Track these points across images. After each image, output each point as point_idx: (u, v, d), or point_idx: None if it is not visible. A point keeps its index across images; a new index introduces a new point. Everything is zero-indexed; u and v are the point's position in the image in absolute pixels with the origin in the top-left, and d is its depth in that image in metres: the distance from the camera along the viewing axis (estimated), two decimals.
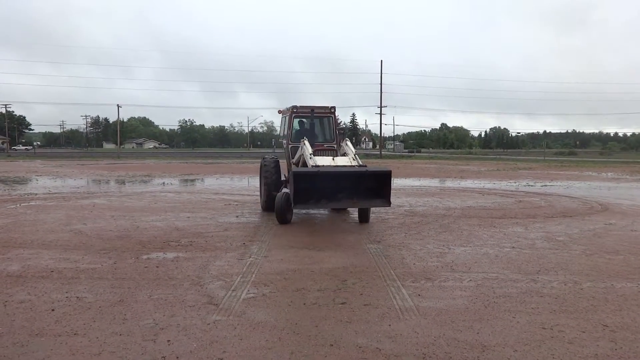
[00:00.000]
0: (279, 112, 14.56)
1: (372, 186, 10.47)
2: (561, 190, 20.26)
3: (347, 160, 11.22)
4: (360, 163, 10.93)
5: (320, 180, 10.12)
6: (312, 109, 13.06)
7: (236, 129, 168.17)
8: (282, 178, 13.13)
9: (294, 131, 13.11)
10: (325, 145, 12.75)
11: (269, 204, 12.50)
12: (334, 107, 13.19)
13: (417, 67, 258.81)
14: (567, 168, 40.11)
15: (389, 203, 10.26)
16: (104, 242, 9.07)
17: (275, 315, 5.31)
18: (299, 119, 13.44)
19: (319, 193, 10.23)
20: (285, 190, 12.47)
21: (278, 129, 13.92)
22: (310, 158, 10.90)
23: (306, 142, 11.62)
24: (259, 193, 14.31)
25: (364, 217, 11.62)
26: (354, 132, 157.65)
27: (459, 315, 5.33)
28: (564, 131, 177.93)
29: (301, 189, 9.86)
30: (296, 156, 12.44)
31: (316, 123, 13.39)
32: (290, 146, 12.96)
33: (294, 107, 12.98)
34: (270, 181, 12.72)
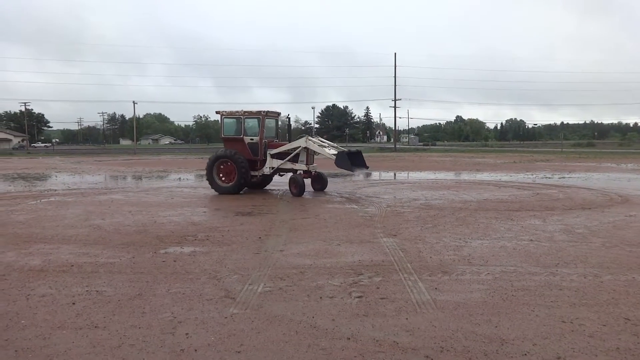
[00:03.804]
0: (217, 112, 17.64)
1: (358, 159, 16.21)
2: (579, 182, 19.96)
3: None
4: (342, 149, 16.85)
5: (351, 156, 15.81)
6: (279, 113, 18.15)
7: (250, 124, 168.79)
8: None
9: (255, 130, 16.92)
10: (275, 141, 17.33)
11: (242, 186, 16.55)
12: (278, 113, 18.19)
13: (432, 59, 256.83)
14: (585, 159, 39.47)
15: (365, 167, 16.38)
16: (122, 237, 9.19)
17: (292, 309, 5.32)
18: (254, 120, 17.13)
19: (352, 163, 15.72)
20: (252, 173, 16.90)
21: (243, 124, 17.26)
22: (327, 148, 16.25)
23: (311, 137, 16.49)
24: (209, 183, 16.86)
25: (324, 187, 17.02)
26: (367, 126, 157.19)
27: (477, 309, 5.29)
28: (582, 122, 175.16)
29: (351, 161, 15.52)
30: (285, 147, 16.47)
31: (270, 124, 17.61)
32: (263, 142, 16.78)
33: (268, 111, 17.00)
34: (245, 169, 16.23)
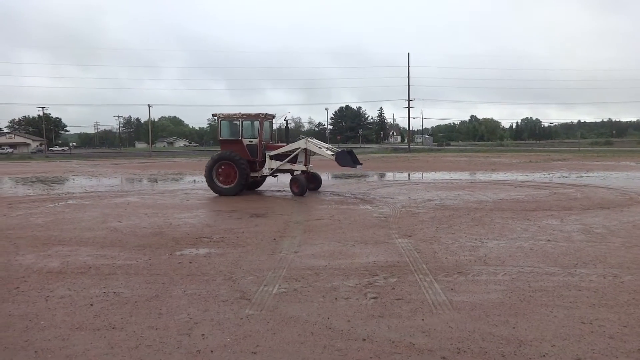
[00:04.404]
0: (213, 115, 17.81)
1: (353, 156, 16.99)
2: (598, 181, 19.65)
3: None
4: (336, 149, 17.72)
5: (350, 154, 17.10)
6: (274, 115, 18.62)
7: (248, 126, 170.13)
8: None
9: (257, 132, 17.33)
10: (269, 143, 17.84)
11: (243, 187, 16.83)
12: (273, 115, 18.67)
13: (446, 58, 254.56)
14: (603, 158, 38.88)
15: (359, 164, 16.98)
16: (138, 239, 9.28)
17: (307, 310, 5.32)
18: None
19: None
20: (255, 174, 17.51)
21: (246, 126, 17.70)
22: (328, 149, 17.26)
23: (309, 139, 17.47)
24: (209, 185, 17.08)
25: (318, 187, 17.83)
26: (381, 127, 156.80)
27: (494, 310, 5.23)
28: (600, 120, 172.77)
29: (351, 158, 16.74)
30: (285, 149, 17.07)
31: (266, 126, 17.85)
32: (262, 143, 17.23)
33: (266, 114, 17.47)
34: (247, 171, 16.64)
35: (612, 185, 18.14)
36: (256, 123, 17.24)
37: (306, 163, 17.23)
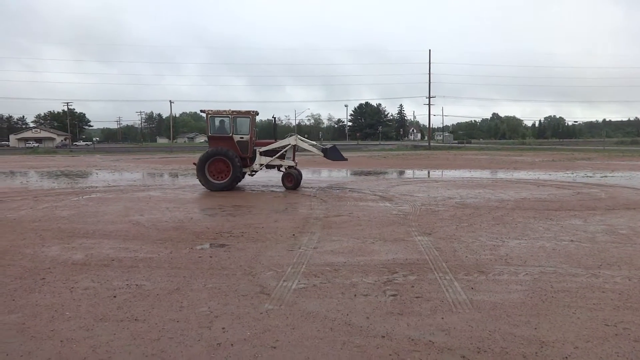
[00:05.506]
0: (202, 111, 18.00)
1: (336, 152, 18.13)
2: (623, 182, 19.22)
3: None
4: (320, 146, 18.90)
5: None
6: (258, 113, 18.58)
7: (284, 122, 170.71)
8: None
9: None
10: (253, 140, 18.04)
11: (236, 182, 17.40)
12: (257, 112, 18.49)
13: (468, 56, 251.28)
14: (629, 158, 37.99)
15: (345, 159, 18.65)
16: (160, 233, 9.41)
17: (326, 306, 5.34)
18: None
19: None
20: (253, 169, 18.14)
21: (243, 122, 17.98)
22: (314, 146, 18.32)
23: (298, 136, 18.35)
24: (200, 180, 17.23)
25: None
26: (401, 124, 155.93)
27: (515, 310, 5.17)
28: (626, 119, 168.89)
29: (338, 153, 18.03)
30: (275, 145, 17.76)
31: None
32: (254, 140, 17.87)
33: (256, 112, 17.87)
34: (239, 166, 17.12)
35: (639, 185, 17.73)
36: (246, 120, 17.66)
37: (294, 159, 18.06)
